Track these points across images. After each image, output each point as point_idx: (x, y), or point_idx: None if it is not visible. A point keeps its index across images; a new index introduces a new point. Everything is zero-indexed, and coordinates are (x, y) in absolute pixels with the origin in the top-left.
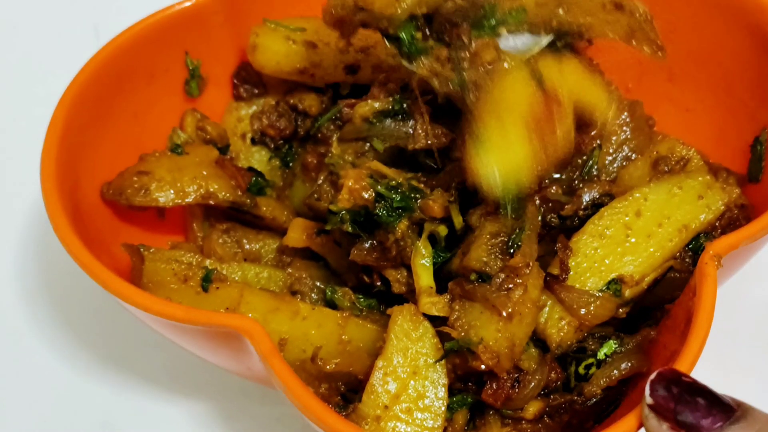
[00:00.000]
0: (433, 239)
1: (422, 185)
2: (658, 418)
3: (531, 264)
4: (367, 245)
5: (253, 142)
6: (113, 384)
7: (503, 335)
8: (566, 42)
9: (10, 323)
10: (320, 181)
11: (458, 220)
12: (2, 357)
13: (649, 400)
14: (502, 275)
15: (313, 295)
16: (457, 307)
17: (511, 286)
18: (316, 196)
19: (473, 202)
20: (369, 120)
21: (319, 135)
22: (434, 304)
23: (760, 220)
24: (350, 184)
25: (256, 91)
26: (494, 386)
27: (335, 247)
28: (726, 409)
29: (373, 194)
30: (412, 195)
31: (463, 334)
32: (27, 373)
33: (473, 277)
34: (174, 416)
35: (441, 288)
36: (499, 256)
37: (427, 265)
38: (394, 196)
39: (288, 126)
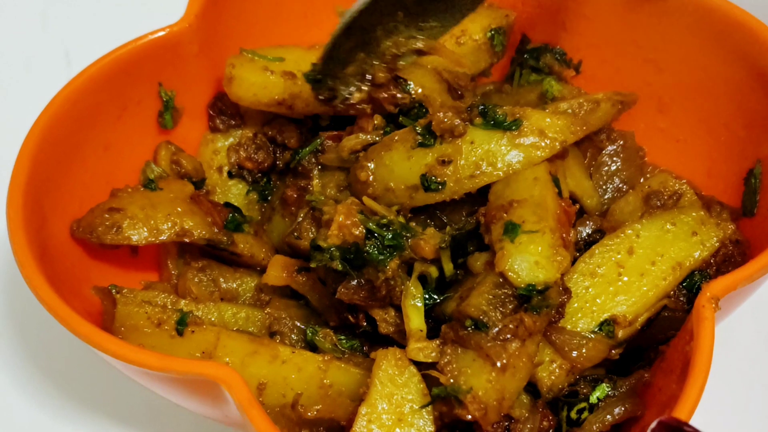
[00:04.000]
0: (423, 280)
1: (413, 223)
2: None
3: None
4: (354, 283)
5: (230, 175)
6: (89, 427)
7: (494, 387)
8: (552, 71)
9: None
10: (300, 219)
11: (448, 268)
12: None
13: None
14: (500, 324)
15: (293, 336)
16: (448, 351)
17: (508, 336)
18: (296, 234)
19: (467, 249)
20: (357, 153)
21: (300, 168)
22: (422, 350)
23: (758, 260)
24: (341, 219)
25: (233, 122)
26: None
27: (317, 285)
28: None
29: (364, 231)
30: (404, 233)
31: (452, 380)
32: None
33: (468, 323)
34: None
35: (429, 330)
36: (500, 309)
37: (419, 305)
38: (385, 233)
39: (266, 158)
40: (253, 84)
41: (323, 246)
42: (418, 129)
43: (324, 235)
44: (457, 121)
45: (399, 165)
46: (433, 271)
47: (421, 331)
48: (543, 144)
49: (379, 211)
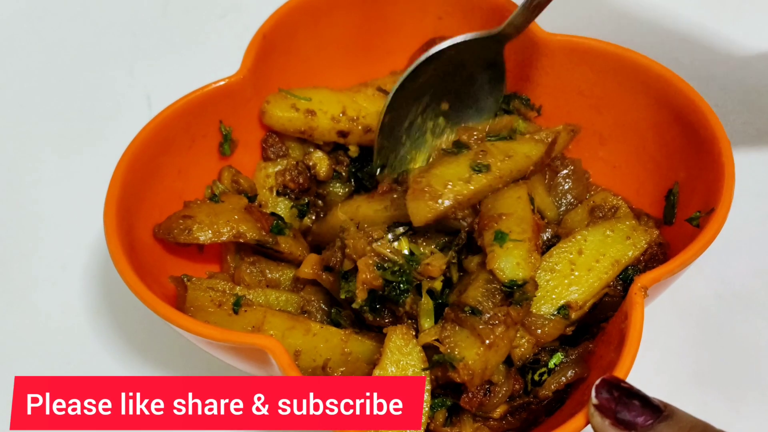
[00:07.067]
0: (430, 292)
1: (421, 247)
2: (602, 415)
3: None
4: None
5: (278, 193)
6: None
7: (481, 359)
8: (520, 112)
9: (78, 332)
10: (335, 248)
11: (456, 276)
12: (72, 360)
13: (594, 401)
14: (491, 312)
15: (319, 315)
16: (448, 327)
17: (496, 322)
18: (332, 261)
19: (465, 254)
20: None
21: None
22: (428, 335)
23: (676, 259)
24: (364, 276)
25: (281, 153)
26: (470, 395)
27: (337, 281)
28: (655, 409)
29: (383, 281)
30: (414, 266)
31: (449, 350)
32: (91, 373)
33: (466, 308)
34: None
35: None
36: (491, 300)
37: (430, 317)
38: (400, 278)
39: (305, 182)
40: (281, 117)
41: (355, 307)
42: (451, 149)
43: (351, 279)
44: (475, 133)
45: (449, 169)
46: (438, 285)
47: (431, 328)
48: (537, 146)
49: (389, 257)
